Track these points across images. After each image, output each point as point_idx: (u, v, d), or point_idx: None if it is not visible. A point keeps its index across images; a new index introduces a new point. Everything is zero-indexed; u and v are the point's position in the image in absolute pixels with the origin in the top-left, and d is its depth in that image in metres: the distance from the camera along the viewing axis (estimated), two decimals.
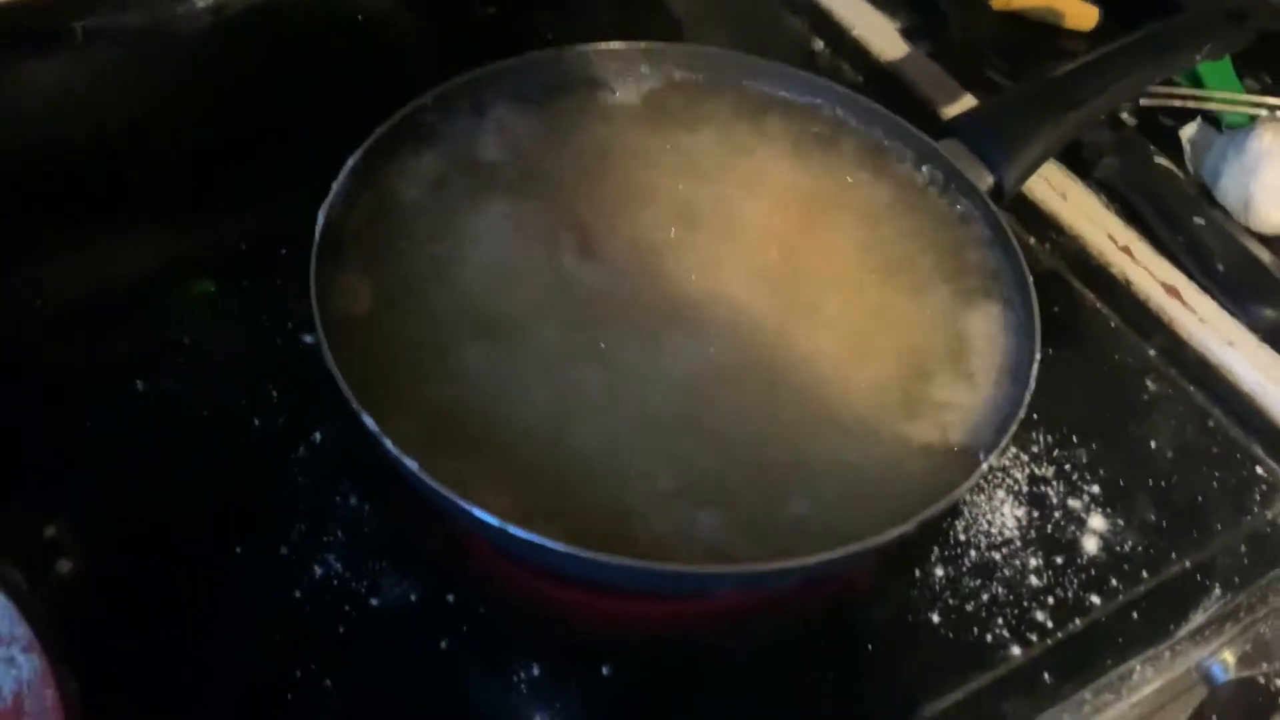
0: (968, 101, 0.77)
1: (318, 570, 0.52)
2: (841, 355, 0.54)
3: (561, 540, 0.44)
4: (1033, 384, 0.51)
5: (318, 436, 0.56)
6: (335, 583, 0.51)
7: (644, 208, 0.59)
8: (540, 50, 0.63)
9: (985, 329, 0.55)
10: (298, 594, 0.51)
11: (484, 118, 0.61)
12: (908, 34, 0.82)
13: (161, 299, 0.62)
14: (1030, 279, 0.55)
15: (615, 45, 0.63)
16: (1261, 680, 0.60)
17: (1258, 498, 0.59)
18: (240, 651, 0.50)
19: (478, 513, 0.44)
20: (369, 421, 0.46)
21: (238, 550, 0.52)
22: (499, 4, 0.82)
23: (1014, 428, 0.49)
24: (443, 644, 0.50)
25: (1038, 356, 0.52)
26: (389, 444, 0.46)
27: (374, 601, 0.51)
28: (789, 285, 0.57)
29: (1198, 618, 0.55)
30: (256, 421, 0.57)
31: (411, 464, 0.45)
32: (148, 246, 0.65)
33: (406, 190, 0.58)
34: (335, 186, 0.54)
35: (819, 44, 0.82)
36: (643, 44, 0.64)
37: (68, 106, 0.72)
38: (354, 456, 0.56)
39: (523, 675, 0.50)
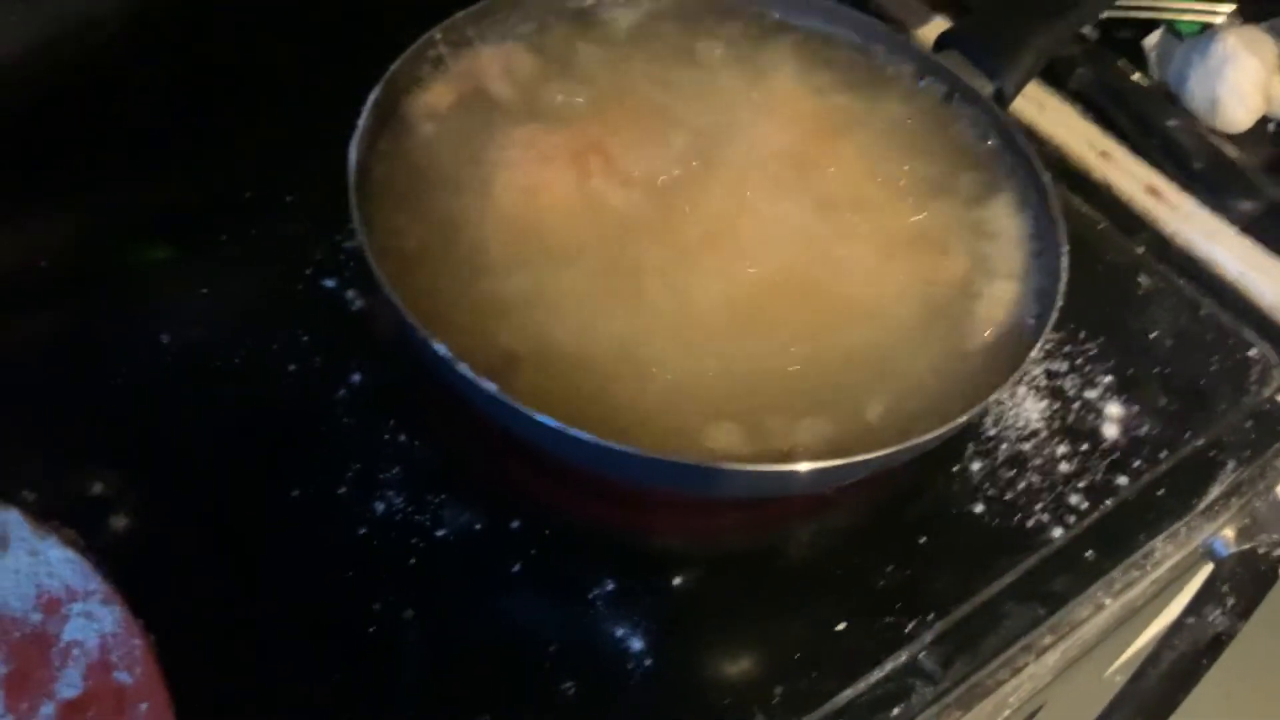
0: (938, 23, 0.79)
1: (379, 507, 0.51)
2: (875, 263, 0.56)
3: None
4: (1065, 274, 0.53)
5: (356, 377, 0.56)
6: (398, 517, 0.51)
7: (662, 130, 0.59)
8: None
9: (1009, 226, 0.57)
10: (363, 530, 0.51)
11: (492, 50, 0.61)
12: None
13: (170, 252, 0.61)
14: (1046, 176, 0.57)
15: None
16: (1262, 550, 0.64)
17: (1254, 377, 0.63)
18: (314, 589, 0.49)
19: (573, 432, 0.44)
20: (440, 349, 0.46)
21: (295, 494, 0.52)
22: None
23: (1055, 314, 0.52)
24: (515, 568, 0.51)
25: (1065, 248, 0.54)
26: (465, 369, 0.46)
27: (440, 533, 0.51)
28: (812, 200, 0.58)
29: (1215, 490, 0.58)
30: (291, 367, 0.56)
31: (490, 386, 0.45)
32: (147, 200, 0.63)
33: (425, 124, 0.57)
34: (360, 122, 0.54)
35: None
36: None
37: (33, 66, 0.69)
38: (397, 394, 0.55)
39: (598, 592, 0.50)
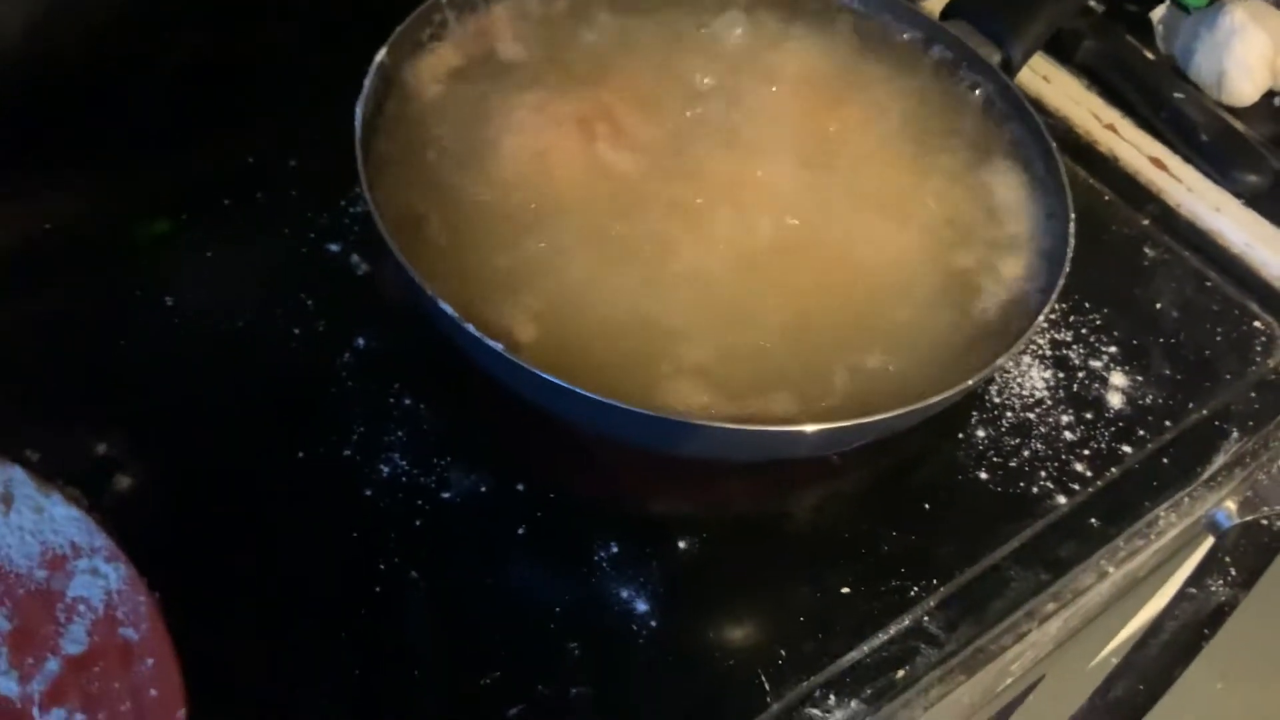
0: None
1: (384, 469, 0.51)
2: (882, 228, 0.56)
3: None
4: (1072, 242, 0.53)
5: (361, 341, 0.55)
6: (404, 479, 0.51)
7: (669, 96, 0.59)
8: None
9: (1015, 194, 0.57)
10: (369, 492, 0.51)
11: (497, 13, 0.60)
12: None
13: (174, 217, 0.60)
14: (1053, 144, 0.57)
15: None
16: (1264, 523, 0.64)
17: (1259, 349, 0.63)
18: (319, 549, 0.49)
19: (580, 392, 0.44)
20: (448, 310, 0.46)
21: (300, 455, 0.52)
22: None
23: (1061, 282, 0.51)
24: (520, 530, 0.51)
25: (1072, 215, 0.54)
26: (471, 329, 0.45)
27: (445, 495, 0.51)
28: (821, 165, 0.58)
29: (1219, 460, 0.58)
30: (296, 330, 0.56)
31: (496, 346, 0.45)
32: (151, 166, 0.62)
33: (431, 87, 0.57)
34: (366, 84, 0.53)
35: None
36: None
37: (36, 39, 0.69)
38: (402, 359, 0.55)
39: (603, 554, 0.50)
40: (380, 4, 0.59)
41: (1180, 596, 0.64)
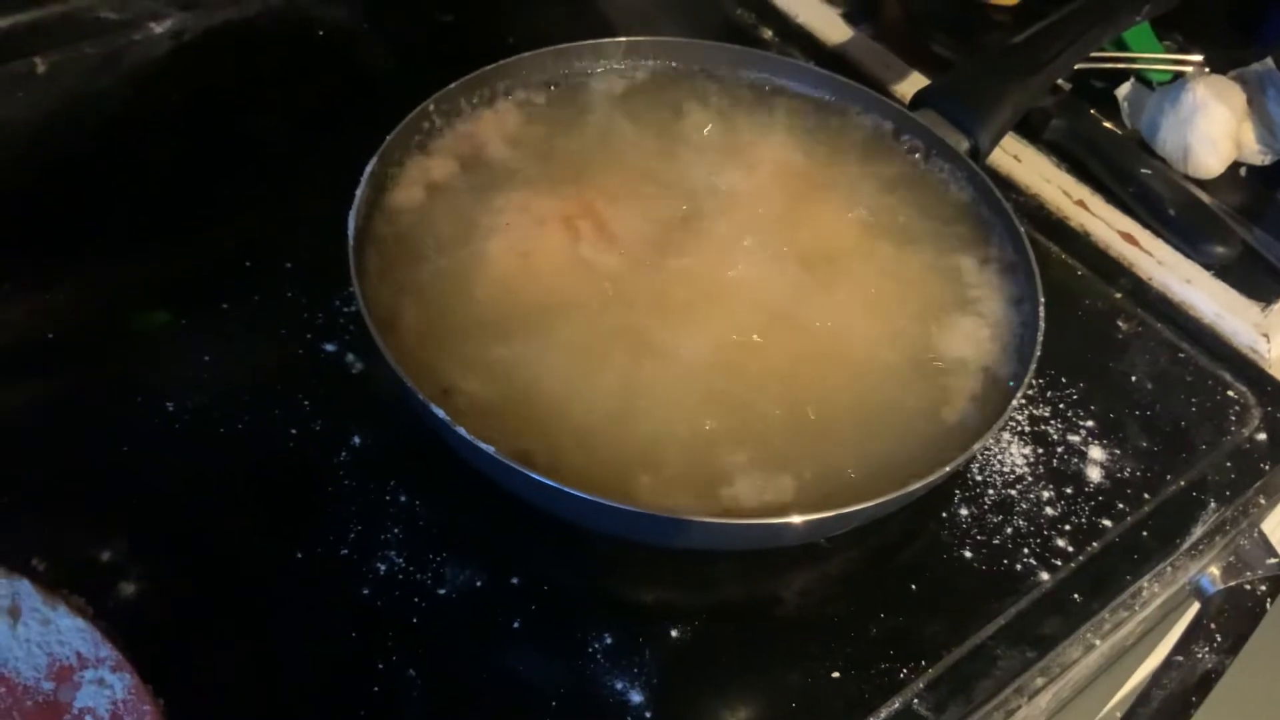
0: (916, 78, 0.82)
1: (381, 567, 0.53)
2: (859, 318, 0.57)
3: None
4: (1042, 325, 0.55)
5: (357, 440, 0.57)
6: (401, 577, 0.52)
7: (650, 193, 0.61)
8: (531, 50, 0.65)
9: (987, 278, 0.59)
10: (366, 591, 0.52)
11: (484, 118, 0.63)
12: (850, 18, 0.86)
13: (173, 320, 0.62)
14: (1022, 230, 0.59)
15: (605, 41, 0.65)
16: (1248, 587, 0.65)
17: (1233, 418, 0.64)
18: (319, 651, 0.50)
19: (571, 491, 0.45)
20: (439, 412, 0.47)
21: (299, 556, 0.53)
22: (456, 11, 0.83)
23: (1033, 364, 0.53)
24: (515, 624, 0.52)
25: (1042, 300, 0.56)
26: (463, 431, 0.47)
27: (441, 591, 0.52)
28: (797, 257, 0.59)
29: (1198, 530, 0.60)
30: (294, 431, 0.57)
31: (489, 449, 0.47)
32: (150, 269, 0.64)
33: (421, 191, 0.59)
34: (357, 194, 0.55)
35: (767, 33, 0.85)
36: (629, 39, 0.66)
37: (38, 140, 0.71)
38: (397, 456, 0.57)
39: (597, 645, 0.51)
40: (374, 106, 0.62)
41: (1167, 665, 0.65)
